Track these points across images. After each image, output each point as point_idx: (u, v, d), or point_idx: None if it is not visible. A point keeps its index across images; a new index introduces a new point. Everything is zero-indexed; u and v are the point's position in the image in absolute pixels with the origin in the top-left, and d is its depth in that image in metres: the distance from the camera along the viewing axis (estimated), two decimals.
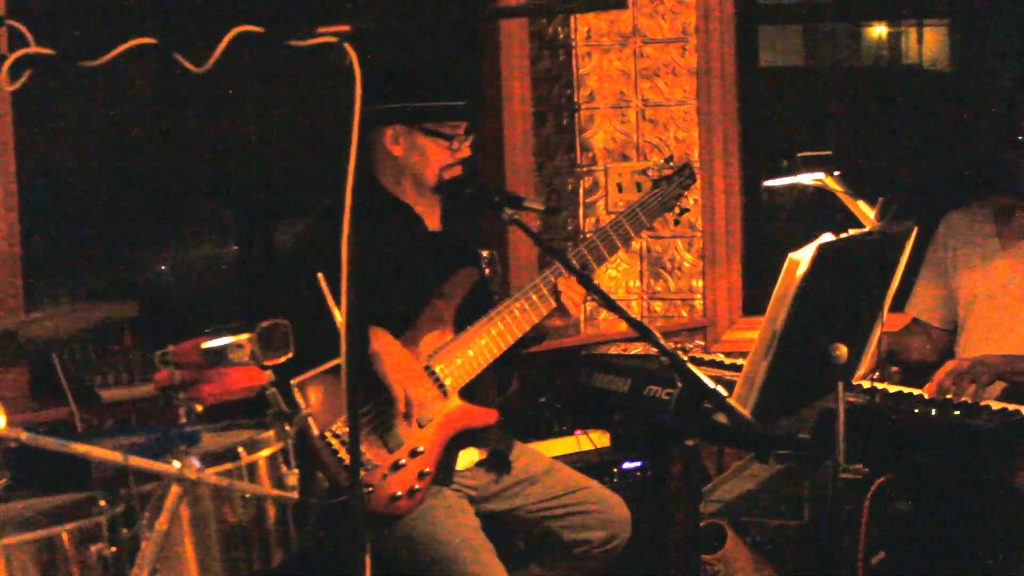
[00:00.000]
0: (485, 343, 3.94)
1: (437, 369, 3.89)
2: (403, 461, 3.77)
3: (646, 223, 4.24)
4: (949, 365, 4.24)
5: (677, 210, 4.34)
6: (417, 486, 3.79)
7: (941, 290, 4.76)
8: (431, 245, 4.08)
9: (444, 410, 3.89)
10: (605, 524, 4.08)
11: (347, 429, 3.66)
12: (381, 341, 3.74)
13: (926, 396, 4.16)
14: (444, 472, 3.88)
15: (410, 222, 4.04)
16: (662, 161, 4.37)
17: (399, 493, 3.75)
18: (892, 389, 4.25)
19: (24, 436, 2.41)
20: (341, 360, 2.67)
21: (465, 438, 3.95)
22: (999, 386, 4.33)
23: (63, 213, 4.81)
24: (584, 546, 4.07)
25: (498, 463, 4.07)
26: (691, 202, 4.35)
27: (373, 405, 3.75)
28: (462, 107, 4.02)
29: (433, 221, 4.10)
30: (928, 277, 4.79)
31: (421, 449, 3.81)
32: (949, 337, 4.76)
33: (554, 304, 4.00)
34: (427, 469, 3.82)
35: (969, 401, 4.09)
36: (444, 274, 4.00)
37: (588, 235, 4.25)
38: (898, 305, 4.71)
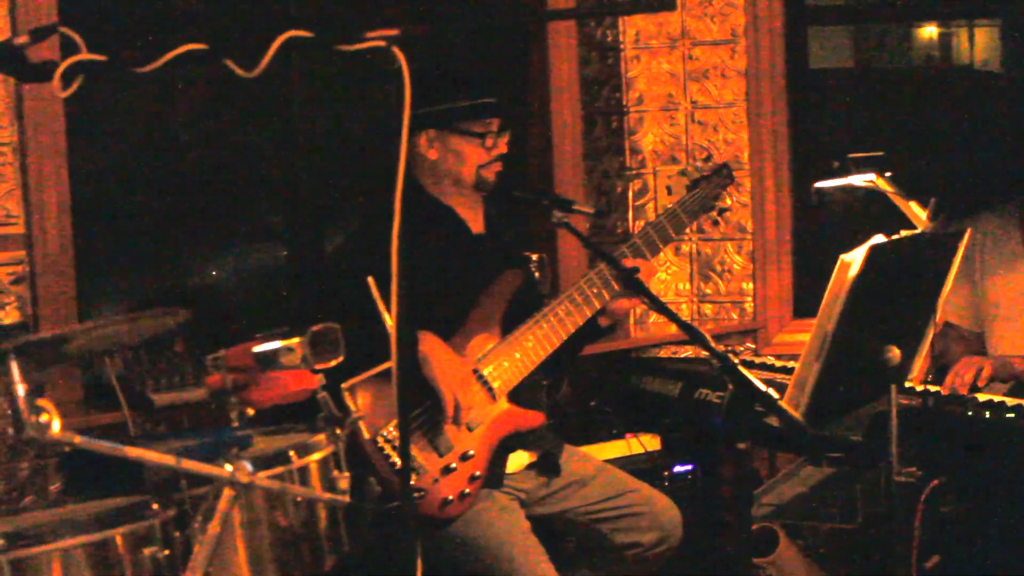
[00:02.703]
0: (532, 345, 3.94)
1: (485, 372, 3.89)
2: (454, 465, 3.77)
3: (687, 222, 4.22)
4: (961, 362, 4.29)
5: (716, 209, 4.32)
6: (468, 490, 3.79)
7: (971, 294, 4.71)
8: (475, 248, 4.08)
9: (493, 413, 3.89)
10: (656, 526, 4.07)
11: (398, 433, 3.68)
12: (429, 344, 3.75)
13: (943, 392, 4.18)
14: (494, 475, 3.88)
15: (453, 225, 4.05)
16: (699, 162, 4.34)
17: (450, 497, 3.76)
18: (945, 391, 4.23)
19: (78, 440, 2.42)
20: (391, 364, 2.67)
21: (514, 441, 3.95)
22: (1002, 387, 4.32)
23: (115, 219, 4.84)
24: (635, 548, 4.06)
25: (548, 466, 4.07)
26: (729, 202, 4.33)
27: (422, 409, 3.75)
28: (491, 104, 4.01)
29: (477, 224, 4.11)
30: (958, 281, 4.73)
31: (471, 453, 3.81)
32: (982, 339, 4.73)
33: (599, 305, 3.98)
34: (477, 472, 3.82)
35: (966, 392, 4.10)
36: (489, 277, 4.00)
37: (631, 235, 4.24)
38: None
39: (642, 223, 5.51)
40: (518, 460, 4.01)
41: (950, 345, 4.71)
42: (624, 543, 4.06)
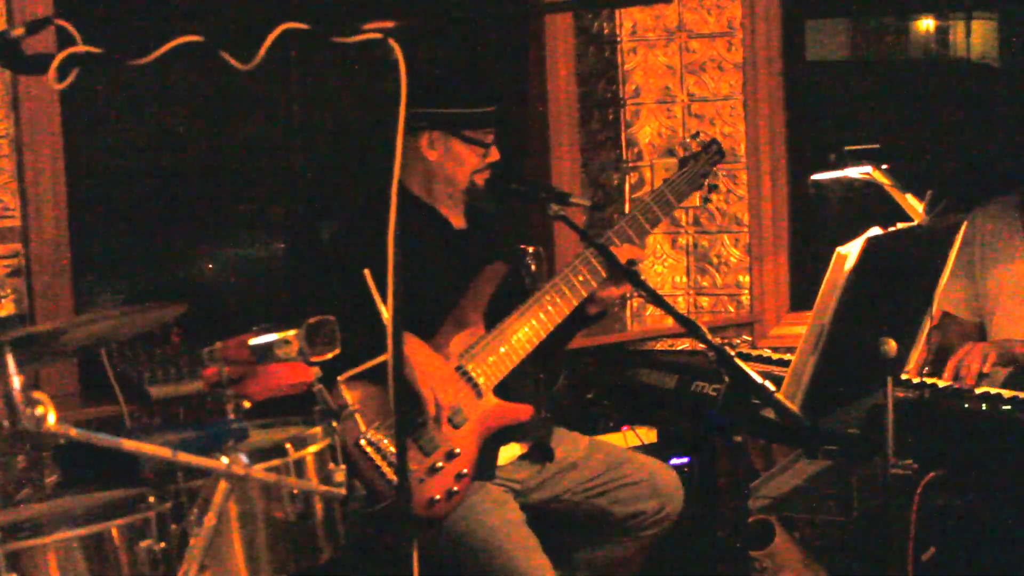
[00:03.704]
0: (517, 339, 3.92)
1: (470, 368, 3.87)
2: (440, 464, 3.75)
3: (675, 203, 4.20)
4: (964, 349, 4.30)
5: (706, 188, 4.30)
6: (455, 488, 3.77)
7: (970, 285, 4.72)
8: (456, 243, 4.07)
9: (479, 410, 3.87)
10: (655, 493, 4.07)
11: (381, 435, 3.68)
12: (409, 345, 3.72)
13: (942, 383, 4.19)
14: (483, 470, 3.87)
15: (434, 222, 4.05)
16: (688, 139, 4.33)
17: (437, 496, 3.74)
18: (942, 384, 4.23)
19: (74, 432, 2.42)
20: (383, 358, 2.66)
21: (503, 435, 3.94)
22: (1003, 371, 4.33)
23: (112, 212, 4.84)
24: (638, 518, 4.06)
25: (541, 454, 4.06)
26: (719, 178, 4.31)
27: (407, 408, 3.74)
28: (497, 114, 4.04)
29: (458, 220, 4.11)
30: (957, 272, 4.74)
31: (457, 451, 3.79)
32: (981, 328, 4.73)
33: (585, 293, 3.97)
34: (464, 470, 3.80)
35: (974, 383, 4.10)
36: (470, 272, 3.99)
37: (617, 219, 4.22)
38: None
39: None
40: (509, 452, 4.00)
41: (950, 336, 4.72)
42: (625, 514, 4.06)
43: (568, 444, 4.14)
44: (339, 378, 3.59)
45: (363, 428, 3.63)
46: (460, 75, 4.20)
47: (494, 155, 4.04)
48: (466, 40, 5.29)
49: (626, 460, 4.14)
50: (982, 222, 4.70)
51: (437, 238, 4.03)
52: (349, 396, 3.60)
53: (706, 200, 4.46)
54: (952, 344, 4.68)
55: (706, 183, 4.28)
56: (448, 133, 3.97)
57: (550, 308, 3.94)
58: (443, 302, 3.93)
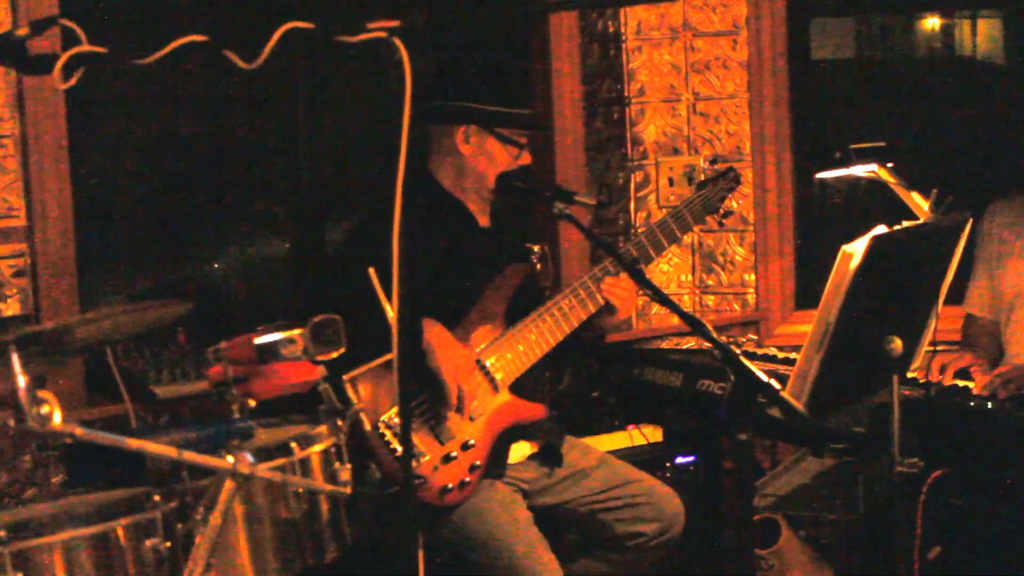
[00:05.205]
0: (535, 339, 3.97)
1: (488, 363, 3.90)
2: (454, 453, 3.78)
3: (691, 224, 4.26)
4: (1004, 368, 4.26)
5: (721, 212, 4.36)
6: (468, 479, 3.80)
7: (990, 285, 4.71)
8: (482, 241, 4.10)
9: (494, 404, 3.90)
10: (658, 517, 4.08)
11: (400, 420, 3.69)
12: (434, 334, 3.76)
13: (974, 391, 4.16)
14: (495, 465, 3.90)
15: (463, 218, 4.07)
16: (706, 164, 4.37)
17: (450, 485, 3.77)
18: (947, 382, 4.22)
19: (79, 431, 2.42)
20: (392, 355, 2.67)
21: (515, 432, 3.97)
22: None
23: (117, 212, 4.84)
24: (637, 539, 4.07)
25: (550, 457, 4.08)
26: (734, 205, 4.36)
27: (425, 397, 3.77)
28: (537, 117, 4.08)
29: (484, 218, 4.13)
30: (978, 271, 4.74)
31: (472, 442, 3.82)
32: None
33: (603, 301, 4.02)
34: (478, 462, 3.83)
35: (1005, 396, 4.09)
36: (495, 270, 4.02)
37: (636, 233, 4.25)
38: (952, 298, 4.67)
39: (644, 214, 5.51)
40: (520, 451, 4.02)
41: (976, 336, 4.70)
42: (626, 533, 4.07)
43: (578, 453, 4.16)
44: (344, 377, 3.61)
45: (368, 427, 3.65)
46: (504, 74, 4.22)
47: (525, 158, 4.08)
48: (470, 38, 5.28)
49: (634, 480, 4.14)
50: (999, 218, 4.68)
51: (463, 232, 4.06)
52: (355, 395, 3.63)
53: (720, 224, 4.49)
54: (977, 347, 4.65)
55: (721, 208, 4.33)
56: (485, 129, 3.99)
57: (568, 312, 3.99)
58: (465, 296, 3.96)
